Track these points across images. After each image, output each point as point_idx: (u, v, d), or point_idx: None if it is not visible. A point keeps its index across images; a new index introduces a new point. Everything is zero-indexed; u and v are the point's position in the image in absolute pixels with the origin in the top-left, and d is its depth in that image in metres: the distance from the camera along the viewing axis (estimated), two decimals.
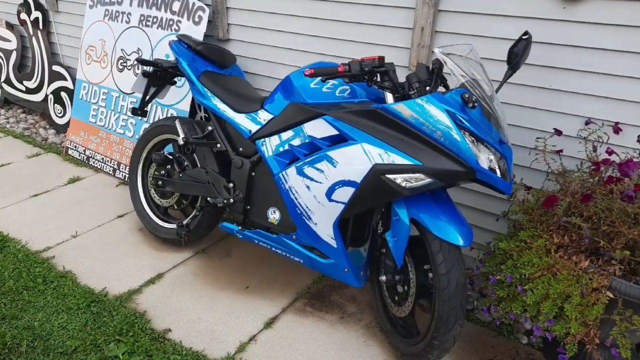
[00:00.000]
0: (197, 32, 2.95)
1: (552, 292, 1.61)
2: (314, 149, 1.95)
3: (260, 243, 2.27)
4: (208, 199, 2.31)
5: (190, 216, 2.58)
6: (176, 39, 2.52)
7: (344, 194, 1.84)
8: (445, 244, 1.73)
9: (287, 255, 2.20)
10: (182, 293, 2.39)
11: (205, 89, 2.33)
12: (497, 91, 1.91)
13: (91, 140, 3.65)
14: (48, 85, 4.15)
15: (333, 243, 1.98)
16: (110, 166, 3.53)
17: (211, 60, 2.49)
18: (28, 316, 2.17)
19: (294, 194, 2.00)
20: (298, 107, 1.98)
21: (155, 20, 3.15)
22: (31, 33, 4.17)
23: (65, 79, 4.01)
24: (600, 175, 1.74)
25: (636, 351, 2.05)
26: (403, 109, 1.68)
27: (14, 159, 3.74)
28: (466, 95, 1.67)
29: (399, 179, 1.71)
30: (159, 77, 2.61)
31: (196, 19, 2.96)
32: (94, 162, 3.64)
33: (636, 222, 1.62)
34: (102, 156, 3.57)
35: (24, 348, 1.99)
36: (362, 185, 1.78)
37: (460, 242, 1.71)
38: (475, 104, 1.66)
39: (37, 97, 4.28)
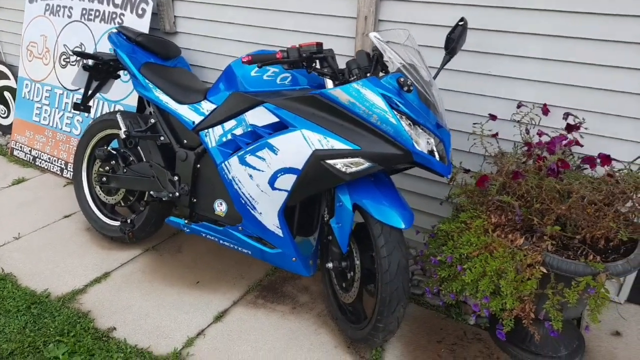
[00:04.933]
0: (142, 25, 2.88)
1: (489, 270, 1.65)
2: (257, 137, 1.93)
3: (207, 236, 2.23)
4: (152, 193, 2.25)
5: (137, 212, 2.51)
6: (116, 30, 2.45)
7: (287, 182, 1.83)
8: (387, 227, 1.75)
9: (235, 247, 2.17)
10: (130, 291, 2.32)
11: (147, 81, 2.28)
12: (435, 77, 1.94)
13: (37, 140, 3.51)
14: None
15: (279, 232, 1.97)
16: (58, 166, 3.40)
17: (153, 51, 2.44)
18: None
19: (237, 184, 1.97)
20: (239, 96, 1.96)
21: (97, 13, 3.06)
22: None
23: (8, 78, 3.85)
24: (534, 155, 1.79)
25: (577, 327, 2.13)
26: (340, 93, 1.69)
27: None
28: (402, 79, 1.68)
29: (339, 164, 1.71)
30: (100, 70, 2.53)
31: (139, 12, 2.89)
32: (40, 163, 3.50)
33: (567, 198, 1.68)
34: (49, 156, 3.45)
35: None
36: (303, 171, 1.77)
37: (402, 225, 1.73)
38: (411, 88, 1.68)
39: None
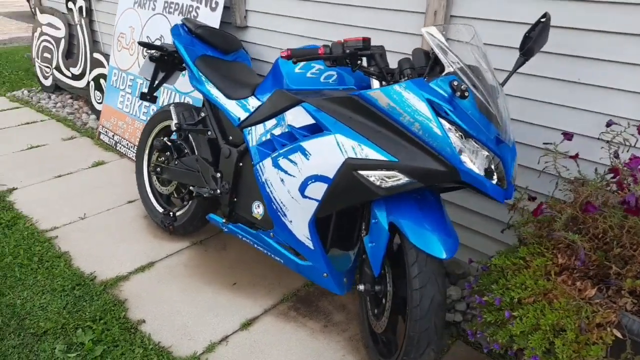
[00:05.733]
0: (213, 18, 2.87)
1: (543, 323, 1.33)
2: (294, 139, 1.78)
3: (243, 238, 2.14)
4: (193, 188, 2.21)
5: (184, 206, 2.50)
6: (180, 22, 2.45)
7: (317, 190, 1.65)
8: (423, 255, 1.50)
9: (268, 253, 2.05)
10: (169, 284, 2.31)
11: (200, 74, 2.23)
12: (504, 83, 1.64)
13: (119, 126, 3.71)
14: (89, 72, 4.29)
15: (309, 244, 1.80)
16: (134, 152, 3.55)
17: (212, 44, 2.39)
18: (14, 293, 2.19)
19: (269, 187, 1.84)
20: (281, 93, 1.82)
21: (177, 7, 3.12)
22: (76, 21, 4.34)
23: (104, 67, 4.11)
24: (622, 183, 1.42)
25: None
26: (379, 96, 1.47)
27: (49, 140, 3.88)
28: (455, 83, 1.42)
29: (373, 176, 1.50)
30: (166, 62, 2.55)
31: (213, 5, 2.89)
32: (120, 148, 3.69)
33: None
34: (128, 142, 3.62)
35: None
36: (334, 181, 1.59)
37: (442, 254, 1.47)
38: (466, 93, 1.41)
39: (81, 84, 4.44)
